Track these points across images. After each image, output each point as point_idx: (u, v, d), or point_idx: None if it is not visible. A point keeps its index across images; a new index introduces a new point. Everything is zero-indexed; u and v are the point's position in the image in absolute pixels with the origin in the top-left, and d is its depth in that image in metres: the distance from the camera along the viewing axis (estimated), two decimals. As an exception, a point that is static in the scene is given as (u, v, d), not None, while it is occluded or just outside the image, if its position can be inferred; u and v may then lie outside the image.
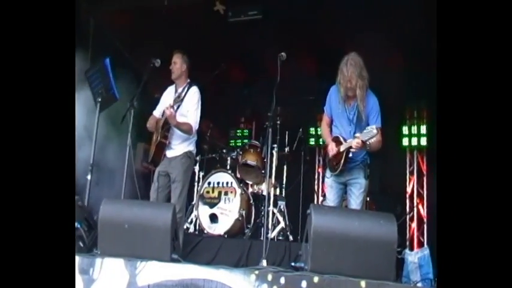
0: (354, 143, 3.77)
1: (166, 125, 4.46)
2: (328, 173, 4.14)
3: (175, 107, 4.32)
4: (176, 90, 4.66)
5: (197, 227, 5.54)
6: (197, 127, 4.57)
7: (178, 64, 4.63)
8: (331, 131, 4.18)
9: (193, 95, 4.50)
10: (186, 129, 4.44)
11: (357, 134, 3.82)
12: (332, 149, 4.01)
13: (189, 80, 4.66)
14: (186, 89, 4.57)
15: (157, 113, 4.73)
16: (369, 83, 3.99)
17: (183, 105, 4.40)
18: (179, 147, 4.52)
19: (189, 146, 4.57)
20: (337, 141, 4.02)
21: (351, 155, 3.91)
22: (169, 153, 4.52)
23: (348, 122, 4.02)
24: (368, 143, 3.78)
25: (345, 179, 4.02)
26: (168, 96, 4.71)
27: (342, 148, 3.92)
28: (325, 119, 4.26)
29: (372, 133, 3.68)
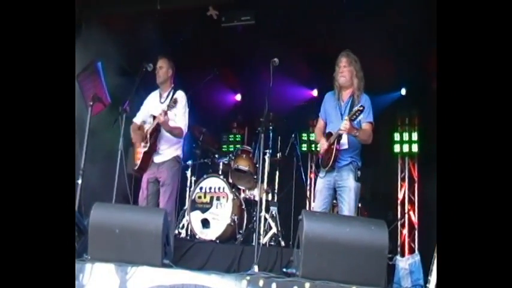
0: (342, 124, 3.80)
1: (155, 132, 4.46)
2: (320, 173, 4.14)
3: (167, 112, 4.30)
4: (161, 95, 4.66)
5: (189, 232, 5.51)
6: (186, 130, 4.59)
7: (164, 68, 4.64)
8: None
9: (181, 99, 4.50)
10: (177, 133, 4.47)
11: (345, 117, 3.86)
12: (323, 143, 4.05)
13: (173, 85, 4.67)
14: (171, 93, 4.59)
15: (138, 120, 4.68)
16: (363, 81, 4.09)
17: (160, 111, 4.39)
18: (167, 152, 4.53)
19: (177, 151, 4.58)
20: (329, 136, 4.06)
21: (343, 146, 3.93)
22: (157, 159, 4.52)
23: (340, 117, 4.05)
24: (357, 127, 3.85)
25: (334, 180, 4.00)
26: (151, 102, 4.70)
27: (332, 138, 3.97)
28: (319, 123, 4.33)
29: (358, 111, 3.70)
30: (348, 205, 3.89)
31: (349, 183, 3.93)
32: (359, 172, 3.94)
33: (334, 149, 3.90)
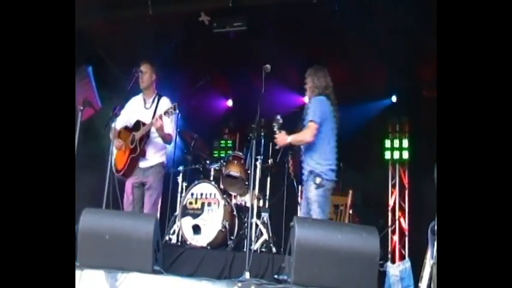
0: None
1: (145, 138, 4.47)
2: None
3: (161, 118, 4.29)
4: (145, 101, 4.65)
5: (180, 238, 5.48)
6: (175, 136, 4.65)
7: (148, 74, 4.63)
8: None
9: (167, 106, 4.49)
10: (169, 139, 4.51)
11: None
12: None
13: (156, 91, 4.66)
14: (156, 100, 4.58)
15: (118, 125, 4.59)
16: (321, 89, 4.17)
17: (156, 116, 4.38)
18: (154, 157, 4.55)
19: (162, 157, 4.62)
20: None
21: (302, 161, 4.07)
22: (143, 164, 4.52)
23: None
24: (282, 133, 4.04)
25: (305, 192, 4.08)
26: (135, 107, 4.68)
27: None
28: None
29: (277, 122, 4.02)
30: (313, 215, 3.89)
31: (310, 195, 3.95)
32: (317, 179, 3.90)
33: (291, 165, 4.05)
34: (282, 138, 3.97)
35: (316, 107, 4.02)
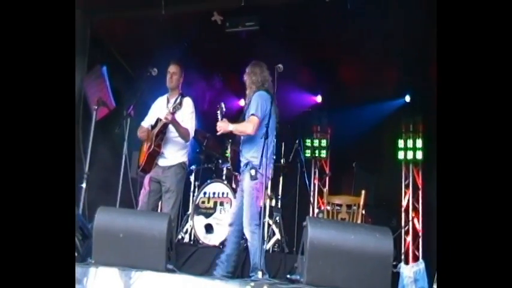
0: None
1: (161, 134, 4.46)
2: None
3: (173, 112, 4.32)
4: (168, 101, 4.66)
5: (192, 237, 5.50)
6: (193, 134, 4.59)
7: (177, 75, 4.64)
8: None
9: (188, 105, 4.52)
10: (184, 132, 4.45)
11: None
12: None
13: (181, 92, 4.68)
14: (178, 99, 4.59)
15: (146, 123, 4.69)
16: (258, 84, 4.19)
17: (177, 114, 4.40)
18: (173, 156, 4.51)
19: (183, 157, 4.57)
20: None
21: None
22: (161, 162, 4.50)
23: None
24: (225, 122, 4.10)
25: (241, 182, 4.15)
26: (159, 107, 4.70)
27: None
28: None
29: (221, 109, 4.12)
30: (244, 206, 3.95)
31: (245, 185, 4.00)
32: (252, 170, 3.92)
33: (231, 153, 4.08)
34: (224, 126, 4.07)
35: (259, 101, 4.04)
